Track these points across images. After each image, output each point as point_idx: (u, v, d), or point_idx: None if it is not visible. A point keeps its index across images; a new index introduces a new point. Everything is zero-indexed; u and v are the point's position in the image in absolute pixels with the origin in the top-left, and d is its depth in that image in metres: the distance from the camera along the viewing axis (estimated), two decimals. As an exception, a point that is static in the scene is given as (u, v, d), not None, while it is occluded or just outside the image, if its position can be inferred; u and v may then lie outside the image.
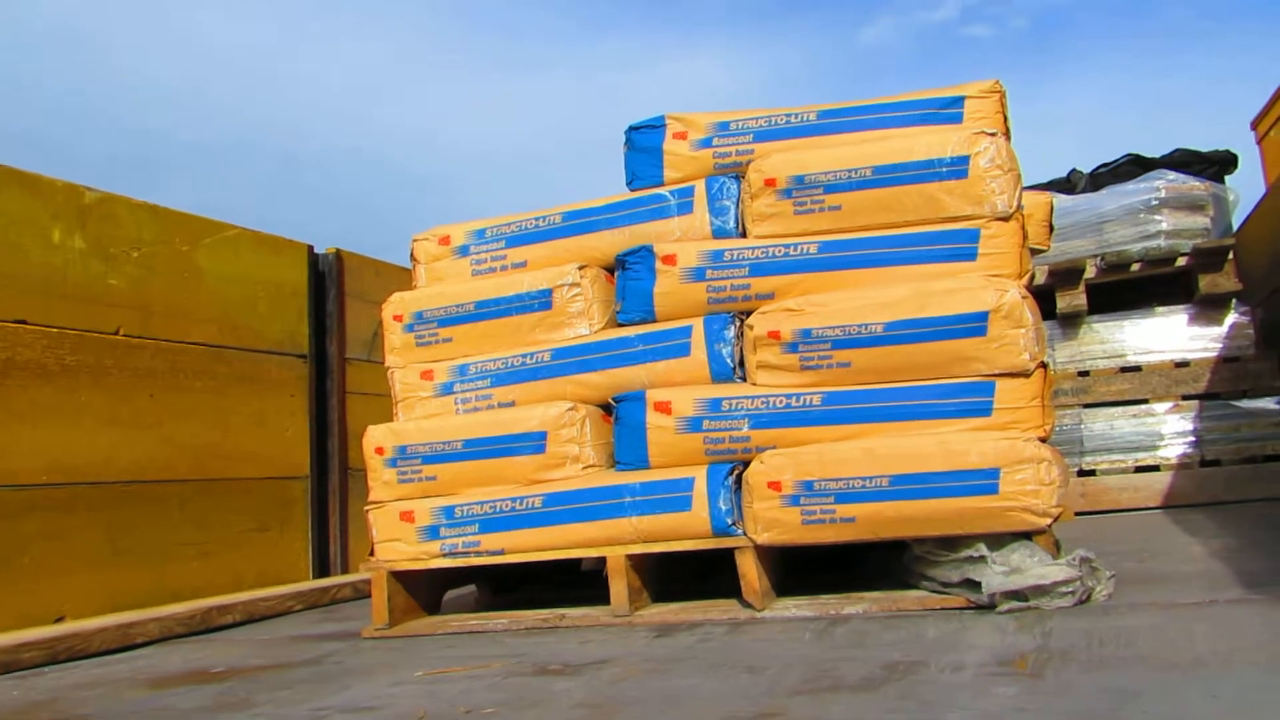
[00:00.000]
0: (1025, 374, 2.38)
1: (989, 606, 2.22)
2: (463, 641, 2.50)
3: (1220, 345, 4.49)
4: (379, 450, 2.83)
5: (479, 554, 2.67)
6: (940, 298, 2.43)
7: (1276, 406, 4.35)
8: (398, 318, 2.99)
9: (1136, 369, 4.61)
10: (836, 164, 2.62)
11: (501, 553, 2.65)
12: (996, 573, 2.20)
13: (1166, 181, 4.57)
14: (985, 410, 2.39)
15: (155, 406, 3.62)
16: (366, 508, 2.83)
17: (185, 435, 3.72)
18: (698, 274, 2.70)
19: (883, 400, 2.44)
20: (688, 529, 2.51)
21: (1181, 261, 4.50)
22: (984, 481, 2.28)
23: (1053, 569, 2.17)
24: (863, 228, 2.61)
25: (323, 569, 4.31)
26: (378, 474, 2.83)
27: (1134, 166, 5.39)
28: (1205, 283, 4.44)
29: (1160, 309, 4.63)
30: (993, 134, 2.54)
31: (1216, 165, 5.37)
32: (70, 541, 3.29)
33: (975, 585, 2.29)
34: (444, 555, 2.70)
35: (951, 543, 2.38)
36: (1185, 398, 4.51)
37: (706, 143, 2.87)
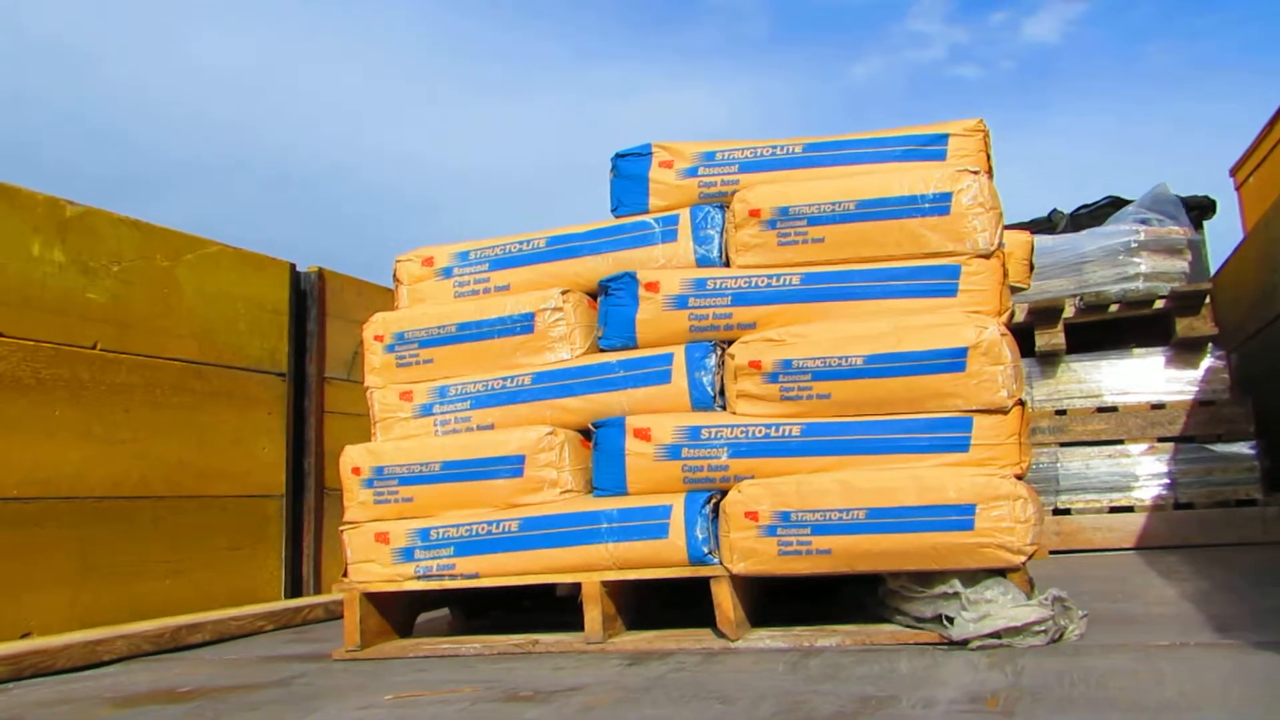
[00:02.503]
0: (1003, 411, 2.39)
1: (962, 642, 2.22)
2: (434, 665, 2.48)
3: (1196, 389, 4.53)
4: (355, 470, 2.81)
5: (453, 577, 2.65)
6: (919, 332, 2.45)
7: (1250, 451, 4.39)
8: (379, 338, 2.98)
9: (1113, 409, 4.64)
10: (820, 197, 2.65)
11: (476, 576, 2.64)
12: (968, 618, 2.20)
13: (1146, 225, 4.62)
14: (963, 446, 2.40)
15: (131, 422, 3.59)
16: (341, 528, 2.80)
17: (160, 451, 3.69)
18: (680, 302, 2.71)
19: (861, 433, 2.45)
20: (664, 557, 2.51)
21: (1160, 304, 4.55)
22: (960, 517, 2.29)
23: (1025, 610, 2.18)
24: (845, 260, 2.63)
25: (296, 589, 4.26)
26: (354, 494, 2.81)
27: (1114, 209, 5.46)
28: (1182, 326, 4.49)
29: (1138, 350, 4.68)
30: (975, 172, 2.57)
31: (1196, 210, 5.45)
32: (40, 557, 3.24)
33: (949, 621, 2.29)
34: (418, 578, 2.68)
35: (926, 578, 2.38)
36: (1160, 440, 4.54)
37: (692, 172, 2.89)
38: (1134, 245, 4.58)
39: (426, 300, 3.03)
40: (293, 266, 4.43)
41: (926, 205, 2.57)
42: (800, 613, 2.71)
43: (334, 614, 3.82)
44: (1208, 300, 4.45)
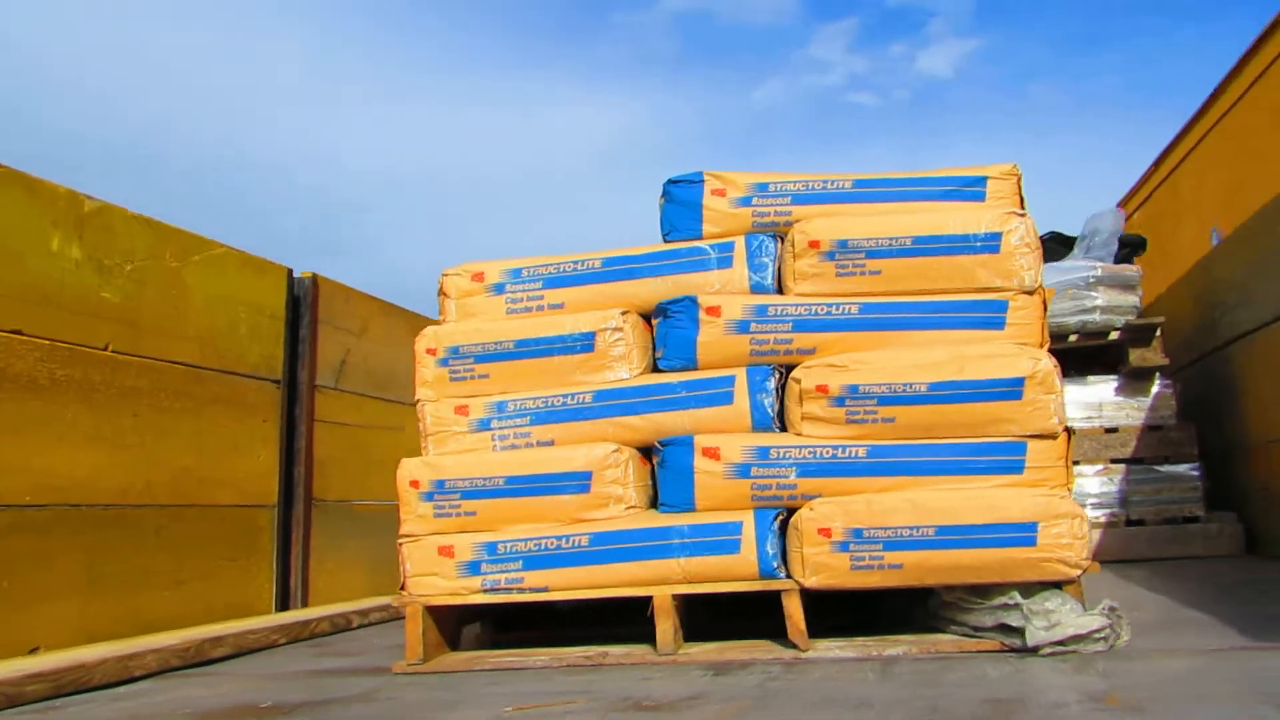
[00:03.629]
0: (1053, 436, 2.59)
1: (1023, 650, 2.39)
2: (511, 678, 2.52)
3: (1145, 414, 4.90)
4: (414, 483, 2.83)
5: (521, 591, 2.70)
6: (978, 362, 2.62)
7: (1194, 472, 4.77)
8: (431, 351, 3.00)
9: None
10: (878, 231, 2.80)
11: (546, 590, 2.69)
12: (1039, 627, 2.38)
13: (1102, 261, 4.98)
14: (1018, 468, 2.59)
15: (138, 426, 3.49)
16: (400, 541, 2.81)
17: (165, 457, 3.60)
18: (742, 326, 2.82)
19: (924, 455, 2.61)
20: (735, 571, 2.61)
21: (1114, 335, 4.90)
22: (1023, 534, 2.47)
23: (1089, 619, 2.37)
24: (900, 292, 2.79)
25: (284, 602, 4.19)
26: (411, 507, 2.82)
27: (1056, 244, 5.82)
28: (1135, 356, 4.84)
29: (1092, 378, 5.02)
30: (1022, 215, 2.77)
31: (1128, 248, 5.87)
32: (49, 566, 3.14)
33: (1010, 630, 2.46)
34: (485, 591, 2.71)
35: (983, 590, 2.55)
36: (1113, 461, 4.89)
37: (746, 201, 3.01)
38: (1091, 280, 4.92)
39: (477, 315, 3.06)
40: (290, 271, 4.37)
41: (978, 243, 2.76)
42: (840, 626, 2.84)
43: (339, 627, 3.79)
44: (1159, 333, 4.82)
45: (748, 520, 2.62)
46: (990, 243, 2.76)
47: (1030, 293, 2.76)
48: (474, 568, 2.73)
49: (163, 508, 3.58)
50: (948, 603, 2.64)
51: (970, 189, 2.96)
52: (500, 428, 2.89)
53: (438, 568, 2.75)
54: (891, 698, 2.00)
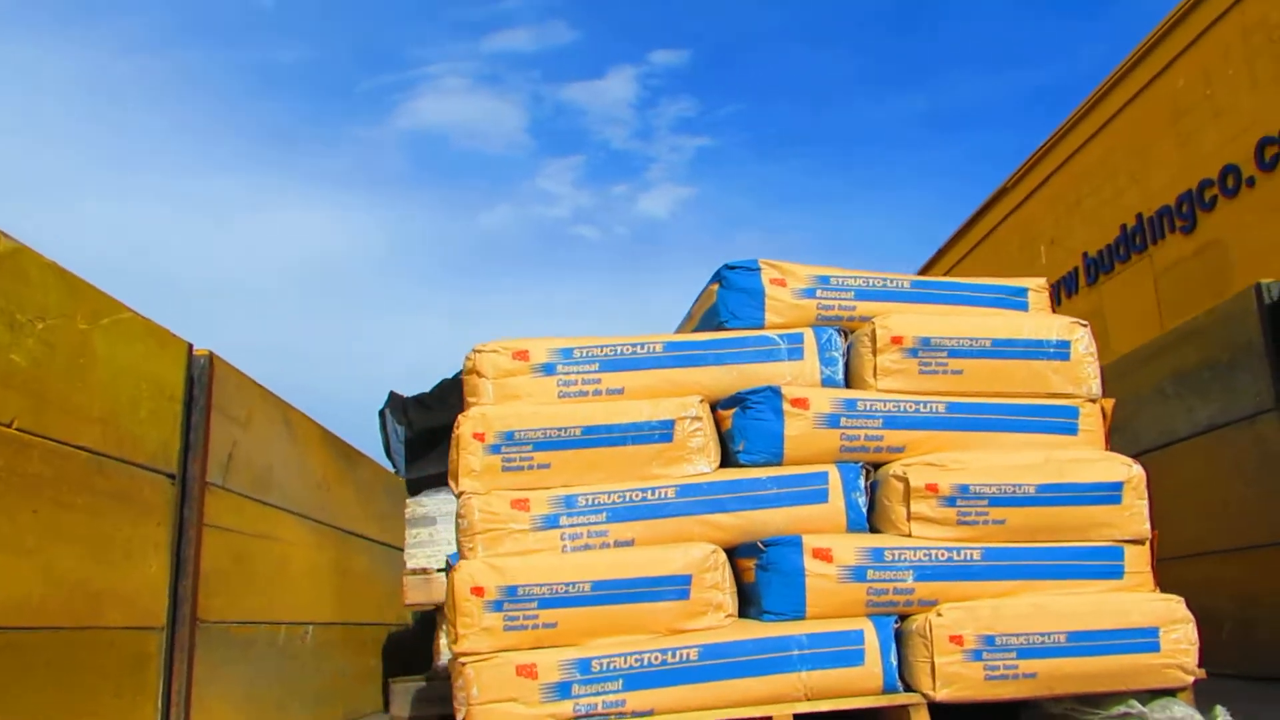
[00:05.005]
0: (1144, 541, 2.63)
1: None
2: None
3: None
4: (477, 590, 2.38)
5: (622, 716, 2.31)
6: (1074, 466, 2.63)
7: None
8: (479, 436, 2.60)
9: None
10: (960, 331, 2.79)
11: (651, 713, 2.32)
12: (1183, 733, 2.34)
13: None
14: (1118, 573, 2.59)
15: (38, 526, 2.74)
16: (461, 660, 2.34)
17: (63, 567, 2.84)
18: (832, 421, 2.67)
19: (1035, 559, 2.56)
20: (859, 685, 2.39)
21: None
22: (1146, 639, 2.45)
23: (1223, 723, 2.36)
24: (979, 393, 2.77)
25: (161, 749, 3.38)
26: (474, 619, 2.37)
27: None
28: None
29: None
30: (1085, 325, 2.86)
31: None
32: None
33: (1136, 741, 2.40)
34: (578, 718, 2.30)
35: (1097, 700, 2.49)
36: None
37: (810, 293, 2.91)
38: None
39: (522, 398, 2.70)
40: (190, 347, 3.70)
41: (1051, 350, 2.81)
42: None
43: (264, 776, 3.10)
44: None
45: (868, 629, 2.43)
46: (1061, 350, 2.82)
47: (1094, 400, 2.83)
48: (564, 690, 2.31)
49: (56, 631, 2.80)
50: (1055, 715, 2.55)
51: (1015, 298, 3.04)
52: (571, 525, 2.53)
53: (517, 692, 2.30)
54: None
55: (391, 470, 6.26)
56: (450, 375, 6.74)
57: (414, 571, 5.58)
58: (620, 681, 2.32)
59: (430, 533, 5.73)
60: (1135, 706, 2.44)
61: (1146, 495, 2.63)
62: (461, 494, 2.57)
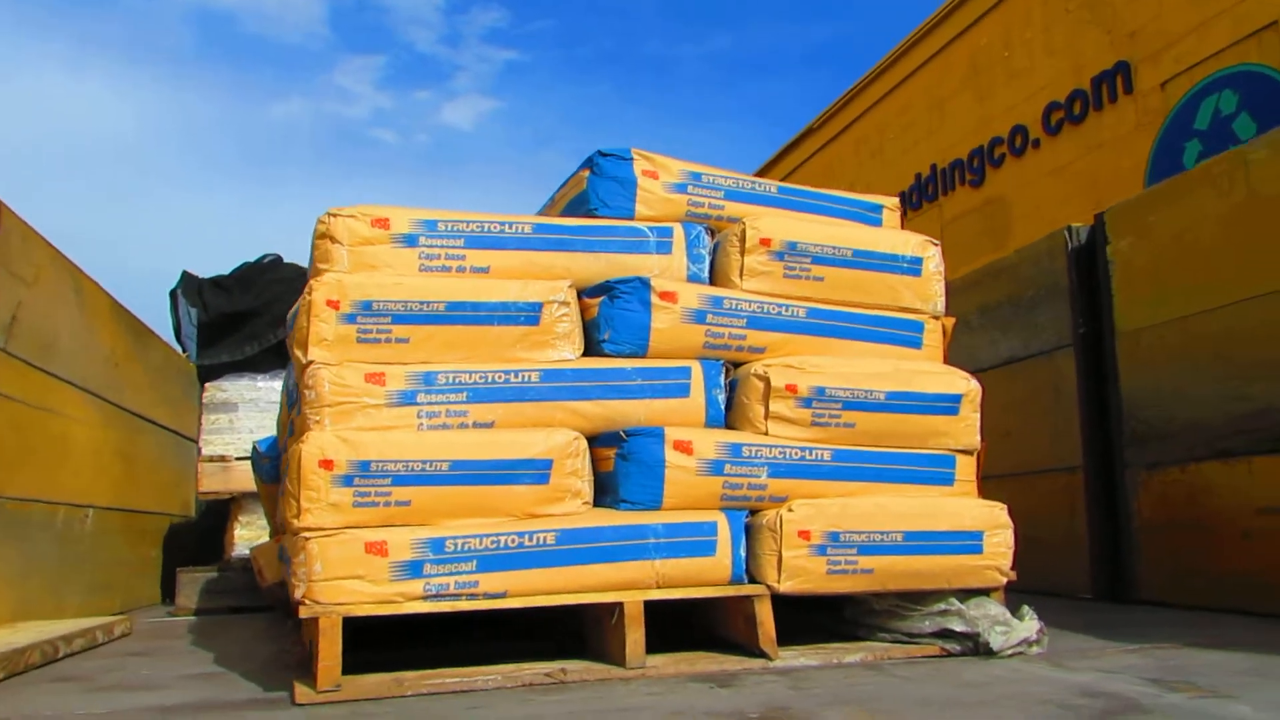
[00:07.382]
0: (973, 452, 2.79)
1: (961, 654, 2.51)
2: (485, 699, 2.06)
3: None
4: (326, 464, 2.23)
5: (473, 596, 2.24)
6: (920, 376, 2.75)
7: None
8: (332, 303, 2.41)
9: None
10: (824, 239, 2.83)
11: (504, 595, 2.26)
12: (998, 632, 2.50)
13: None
14: (949, 480, 2.74)
15: None
16: (305, 535, 2.19)
17: None
18: (699, 316, 2.66)
19: (880, 462, 2.66)
20: (710, 575, 2.43)
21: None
22: (973, 542, 2.61)
23: (1032, 623, 2.55)
24: (839, 301, 2.84)
25: (-78, 631, 3.02)
26: (321, 494, 2.21)
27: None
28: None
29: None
30: (936, 244, 2.97)
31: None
32: None
33: (949, 635, 2.56)
34: (427, 598, 2.21)
35: (918, 597, 2.64)
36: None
37: (681, 188, 2.87)
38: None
39: (380, 268, 2.53)
40: (-27, 185, 3.24)
41: (905, 265, 2.91)
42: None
43: (48, 657, 2.83)
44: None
45: (721, 521, 2.46)
46: (914, 265, 2.92)
47: (937, 318, 2.96)
48: (415, 569, 2.21)
49: None
50: (879, 610, 2.68)
51: (871, 214, 3.12)
52: (429, 403, 2.40)
53: (364, 569, 2.18)
54: (976, 698, 1.98)
55: (182, 354, 5.82)
56: (253, 259, 6.31)
57: (211, 459, 5.25)
58: (474, 563, 2.25)
59: (230, 419, 5.40)
60: (954, 604, 2.61)
61: (978, 409, 2.79)
62: (310, 364, 2.38)
